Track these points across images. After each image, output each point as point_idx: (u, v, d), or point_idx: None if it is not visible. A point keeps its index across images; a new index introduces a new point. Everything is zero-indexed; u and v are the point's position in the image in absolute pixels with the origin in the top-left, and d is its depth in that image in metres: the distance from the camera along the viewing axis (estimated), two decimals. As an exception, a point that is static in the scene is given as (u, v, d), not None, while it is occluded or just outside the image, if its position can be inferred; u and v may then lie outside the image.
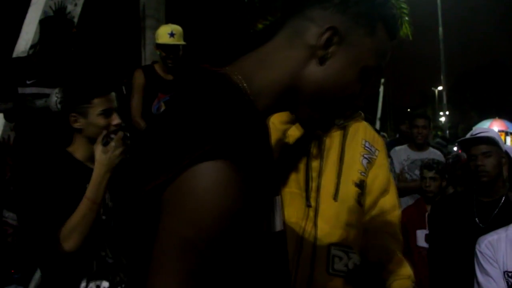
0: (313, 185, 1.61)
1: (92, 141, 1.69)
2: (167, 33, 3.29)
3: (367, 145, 1.72)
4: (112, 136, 1.66)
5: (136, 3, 5.76)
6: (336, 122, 1.70)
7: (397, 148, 4.10)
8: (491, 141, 2.26)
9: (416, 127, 3.91)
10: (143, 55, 5.56)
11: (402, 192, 3.83)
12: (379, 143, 1.77)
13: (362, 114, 1.77)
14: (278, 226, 0.81)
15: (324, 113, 0.84)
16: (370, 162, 1.70)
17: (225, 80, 0.77)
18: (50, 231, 1.54)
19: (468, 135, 2.43)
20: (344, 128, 1.70)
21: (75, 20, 3.68)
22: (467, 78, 39.05)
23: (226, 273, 0.67)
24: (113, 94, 1.75)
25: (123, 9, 6.82)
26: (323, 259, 1.58)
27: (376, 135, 1.80)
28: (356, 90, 0.82)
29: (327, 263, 1.59)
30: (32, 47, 3.41)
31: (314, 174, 1.62)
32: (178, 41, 3.27)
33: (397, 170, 3.85)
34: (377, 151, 1.74)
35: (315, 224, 1.58)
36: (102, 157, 1.63)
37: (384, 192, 1.71)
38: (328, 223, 1.60)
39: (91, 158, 1.67)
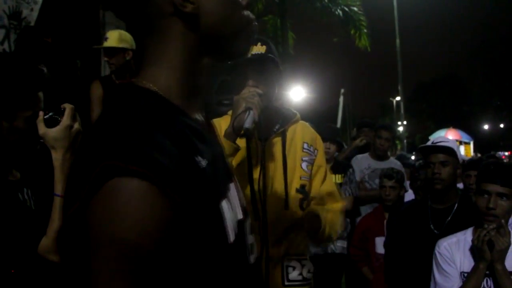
0: (258, 197, 1.58)
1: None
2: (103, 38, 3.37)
3: (305, 146, 1.70)
4: (55, 115, 1.34)
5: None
6: (273, 128, 1.68)
7: (359, 156, 4.19)
8: (449, 151, 2.34)
9: (380, 138, 4.03)
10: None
11: (362, 201, 3.89)
12: (318, 142, 1.76)
13: (298, 114, 1.75)
14: (239, 215, 0.76)
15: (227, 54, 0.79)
16: (311, 163, 1.70)
17: (132, 87, 0.72)
18: (28, 255, 1.31)
19: (429, 143, 2.51)
20: (283, 134, 1.67)
21: (31, 25, 3.57)
22: (424, 89, 40.50)
23: None
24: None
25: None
26: (278, 273, 1.58)
27: (315, 134, 1.78)
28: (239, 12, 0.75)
29: (282, 276, 1.58)
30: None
31: (257, 186, 1.58)
32: (110, 44, 3.26)
33: (358, 178, 3.93)
34: (316, 151, 1.73)
35: (265, 238, 1.55)
36: (56, 137, 1.31)
37: (323, 182, 1.73)
38: (278, 234, 1.59)
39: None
